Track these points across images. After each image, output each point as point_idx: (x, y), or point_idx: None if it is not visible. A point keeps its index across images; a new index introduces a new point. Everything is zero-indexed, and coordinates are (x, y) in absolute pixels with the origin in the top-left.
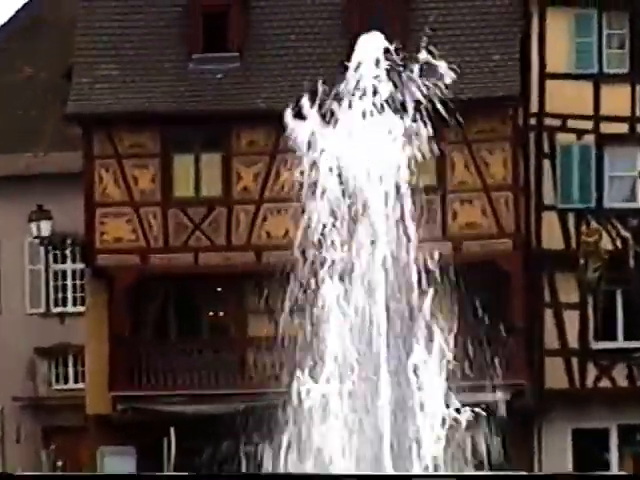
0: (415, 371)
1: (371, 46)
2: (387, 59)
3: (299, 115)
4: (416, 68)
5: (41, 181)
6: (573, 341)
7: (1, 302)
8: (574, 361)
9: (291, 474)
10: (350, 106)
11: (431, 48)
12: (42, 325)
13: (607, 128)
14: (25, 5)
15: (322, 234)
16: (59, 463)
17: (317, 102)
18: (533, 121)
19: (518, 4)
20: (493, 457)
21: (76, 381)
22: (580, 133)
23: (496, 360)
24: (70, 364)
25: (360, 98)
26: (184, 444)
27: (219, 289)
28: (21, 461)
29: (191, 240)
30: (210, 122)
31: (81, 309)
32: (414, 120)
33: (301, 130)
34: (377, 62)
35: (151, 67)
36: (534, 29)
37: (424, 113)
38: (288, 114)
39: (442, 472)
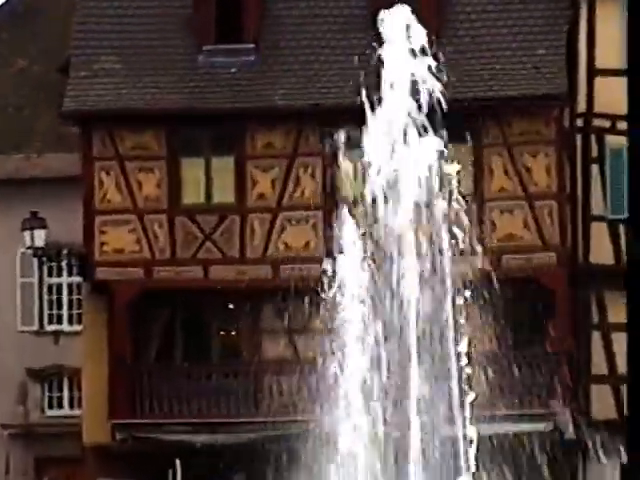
0: (446, 400)
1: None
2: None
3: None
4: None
5: (34, 186)
6: (623, 366)
7: None
8: (624, 389)
9: None
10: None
11: None
12: (35, 344)
13: None
14: None
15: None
16: None
17: None
18: (580, 122)
19: None
20: None
21: (72, 407)
22: None
23: (537, 386)
24: (65, 388)
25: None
26: (191, 477)
27: (231, 306)
28: None
29: (201, 252)
30: (222, 121)
31: (78, 327)
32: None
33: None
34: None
35: (157, 60)
36: (582, 20)
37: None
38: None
39: None
